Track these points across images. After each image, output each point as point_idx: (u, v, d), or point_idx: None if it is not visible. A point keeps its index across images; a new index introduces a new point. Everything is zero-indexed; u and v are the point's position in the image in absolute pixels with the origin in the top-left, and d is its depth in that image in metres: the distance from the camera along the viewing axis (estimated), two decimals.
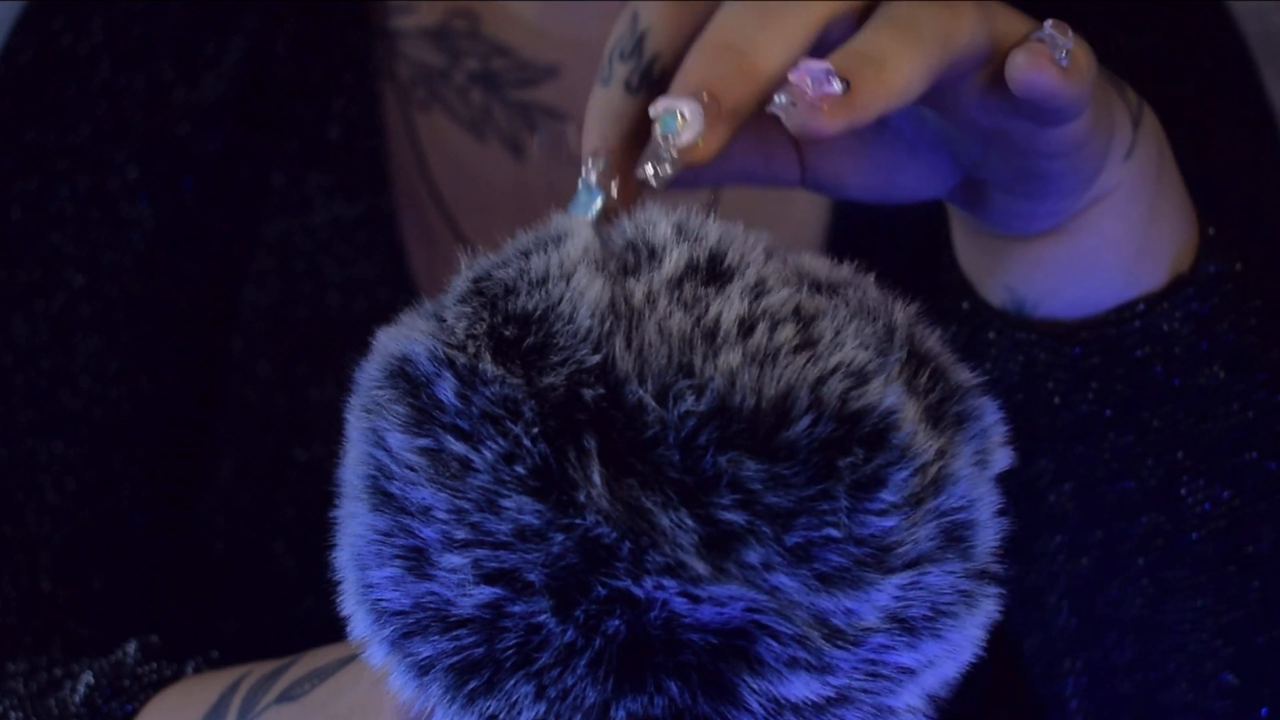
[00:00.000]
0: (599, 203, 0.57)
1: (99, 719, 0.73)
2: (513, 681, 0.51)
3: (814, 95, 0.55)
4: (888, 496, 0.51)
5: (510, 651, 0.51)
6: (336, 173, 0.92)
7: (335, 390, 0.55)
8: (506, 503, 0.50)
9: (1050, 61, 0.58)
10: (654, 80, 0.58)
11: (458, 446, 0.51)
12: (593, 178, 0.57)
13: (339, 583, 0.55)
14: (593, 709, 0.51)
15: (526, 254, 0.54)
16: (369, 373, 0.54)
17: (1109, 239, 0.68)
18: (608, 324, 0.52)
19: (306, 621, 0.89)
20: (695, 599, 0.50)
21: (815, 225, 0.93)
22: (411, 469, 0.52)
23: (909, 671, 0.52)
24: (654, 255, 0.54)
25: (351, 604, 0.54)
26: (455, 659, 0.52)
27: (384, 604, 0.53)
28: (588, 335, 0.52)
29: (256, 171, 0.92)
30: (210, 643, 0.78)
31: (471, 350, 0.52)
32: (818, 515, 0.50)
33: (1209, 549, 0.69)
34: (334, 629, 0.56)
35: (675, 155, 0.55)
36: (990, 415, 0.55)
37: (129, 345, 0.90)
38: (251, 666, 0.69)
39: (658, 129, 0.55)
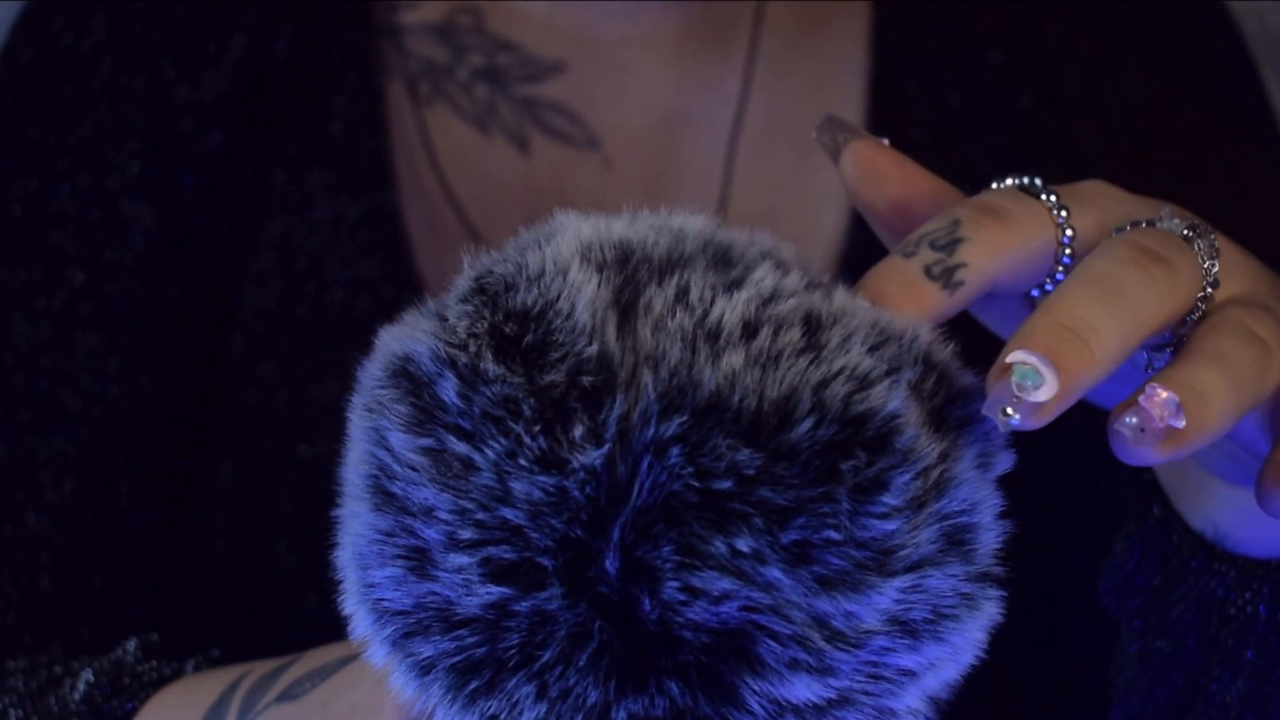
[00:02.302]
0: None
1: (99, 717, 0.73)
2: (514, 681, 0.52)
3: (1160, 426, 0.55)
4: (890, 500, 0.51)
5: (513, 651, 0.51)
6: (338, 170, 0.92)
7: (337, 389, 0.55)
8: (516, 485, 0.51)
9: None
10: (949, 283, 0.57)
11: (460, 446, 0.51)
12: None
13: (340, 582, 0.55)
14: (594, 709, 0.51)
15: (524, 250, 0.54)
16: (371, 372, 0.54)
17: None
18: (607, 320, 0.52)
19: (307, 621, 0.89)
20: (692, 591, 0.50)
21: (830, 240, 0.92)
22: (414, 469, 0.52)
23: (910, 674, 0.52)
24: (665, 260, 0.54)
25: (352, 603, 0.54)
26: (457, 659, 0.52)
27: (385, 604, 0.53)
28: (586, 330, 0.52)
29: (258, 170, 0.92)
30: (211, 642, 0.78)
31: (473, 349, 0.52)
32: (818, 517, 0.50)
33: None
34: (335, 628, 0.56)
35: (1029, 409, 0.54)
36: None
37: (129, 344, 0.90)
38: (252, 665, 0.69)
39: (1013, 378, 0.54)
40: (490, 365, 0.52)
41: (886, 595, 0.51)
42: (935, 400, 0.53)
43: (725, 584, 0.50)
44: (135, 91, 0.91)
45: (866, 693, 0.52)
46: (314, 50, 0.93)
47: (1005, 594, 0.54)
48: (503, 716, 0.52)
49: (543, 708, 0.51)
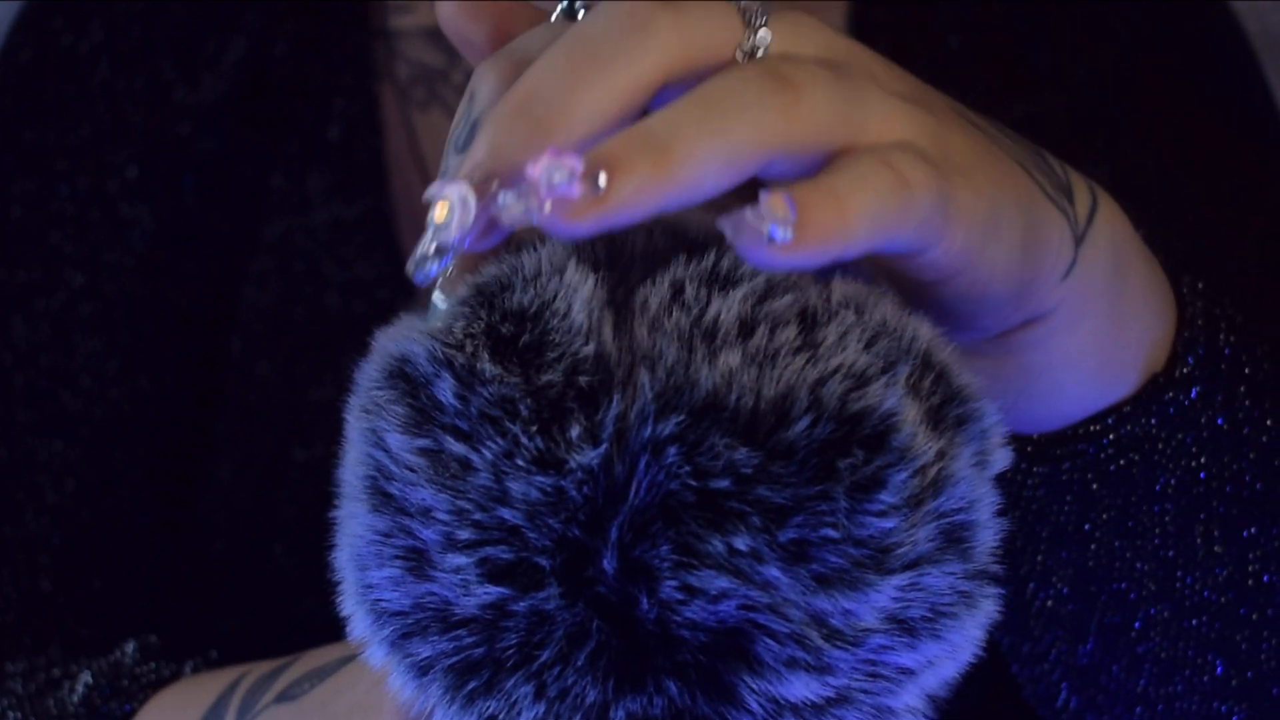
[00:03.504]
0: (441, 305, 0.53)
1: (97, 719, 0.73)
2: (512, 681, 0.52)
3: (544, 195, 0.48)
4: (887, 498, 0.51)
5: (511, 651, 0.51)
6: (336, 173, 0.92)
7: (335, 391, 0.55)
8: (514, 485, 0.51)
9: (761, 241, 0.50)
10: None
11: (457, 447, 0.51)
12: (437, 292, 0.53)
13: (338, 583, 0.55)
14: (592, 709, 0.51)
15: (520, 250, 0.54)
16: (368, 373, 0.54)
17: (1059, 356, 0.62)
18: (603, 319, 0.52)
19: (306, 622, 0.89)
20: (690, 589, 0.50)
21: None
22: (411, 470, 0.52)
23: (908, 672, 0.52)
24: (645, 254, 0.54)
25: (351, 604, 0.54)
26: (455, 659, 0.52)
27: (383, 604, 0.53)
28: (583, 330, 0.52)
29: (256, 172, 0.92)
30: (209, 643, 0.78)
31: (470, 349, 0.52)
32: (815, 515, 0.50)
33: (1214, 628, 0.67)
34: (333, 629, 0.56)
35: (434, 250, 0.50)
36: (990, 417, 0.55)
37: (129, 345, 0.90)
38: (250, 666, 0.69)
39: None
40: (487, 365, 0.52)
41: (884, 593, 0.51)
42: (933, 399, 0.53)
43: (723, 583, 0.50)
44: (134, 92, 0.91)
45: (865, 691, 0.52)
46: (313, 52, 0.93)
47: (1003, 592, 0.54)
48: (501, 716, 0.52)
49: (541, 707, 0.51)
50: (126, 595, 0.89)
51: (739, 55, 0.52)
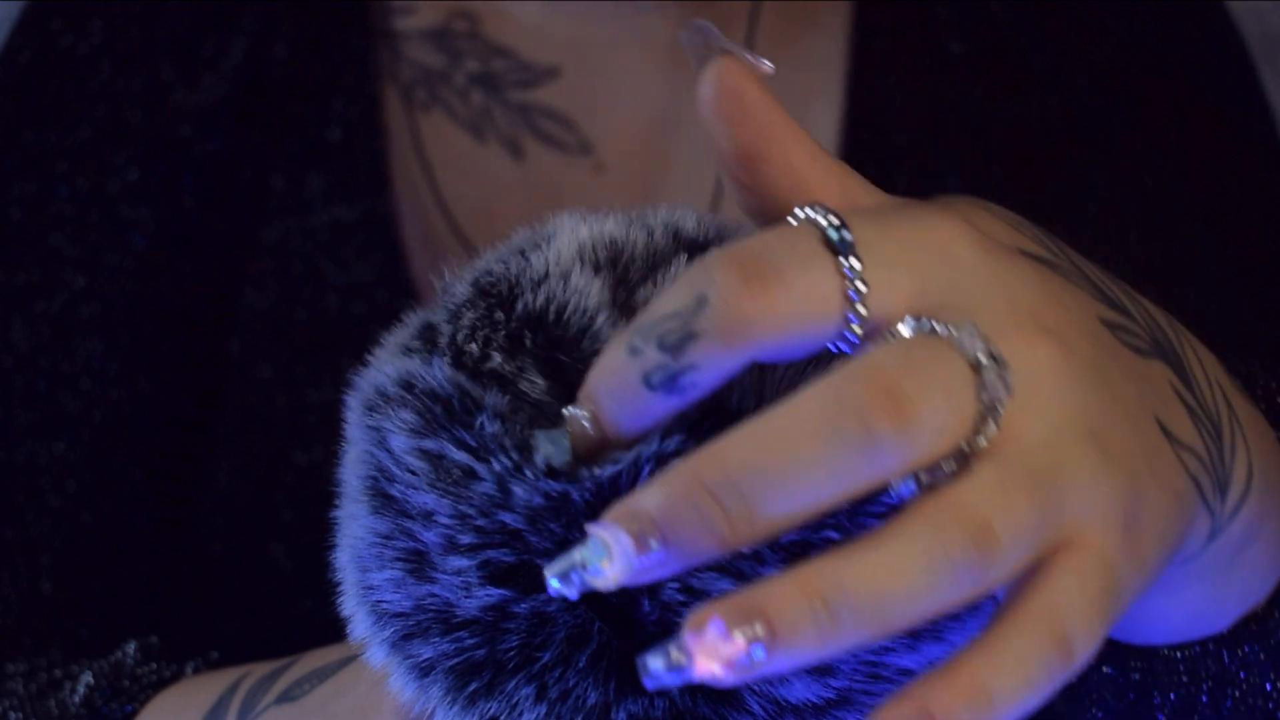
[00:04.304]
0: (560, 456, 0.51)
1: (98, 719, 0.73)
2: (514, 683, 0.52)
3: (700, 668, 0.45)
4: (888, 500, 0.51)
5: (512, 652, 0.51)
6: (336, 175, 0.92)
7: (334, 392, 0.54)
8: (518, 490, 0.50)
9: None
10: (673, 390, 0.48)
11: (461, 456, 0.51)
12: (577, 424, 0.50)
13: (339, 584, 0.55)
14: (594, 710, 0.51)
15: (524, 253, 0.54)
16: (373, 376, 0.54)
17: (1155, 606, 0.60)
18: (609, 322, 0.52)
19: (307, 623, 0.89)
20: (691, 592, 0.50)
21: None
22: (413, 473, 0.52)
23: (910, 673, 0.52)
24: (645, 255, 0.54)
25: (352, 605, 0.54)
26: (456, 660, 0.52)
27: (384, 606, 0.53)
28: (590, 333, 0.52)
29: (256, 173, 0.92)
30: (210, 644, 0.78)
31: (481, 357, 0.52)
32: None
33: None
34: (334, 630, 0.55)
35: (581, 584, 0.47)
36: None
37: (129, 347, 0.90)
38: (251, 667, 0.69)
39: (579, 551, 0.46)
40: (497, 365, 0.52)
41: None
42: None
43: (724, 585, 0.50)
44: (134, 93, 0.91)
45: (865, 692, 0.52)
46: (313, 53, 0.93)
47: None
48: (503, 718, 0.52)
49: (542, 709, 0.51)
50: (127, 596, 0.89)
51: (949, 458, 0.48)
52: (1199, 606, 0.61)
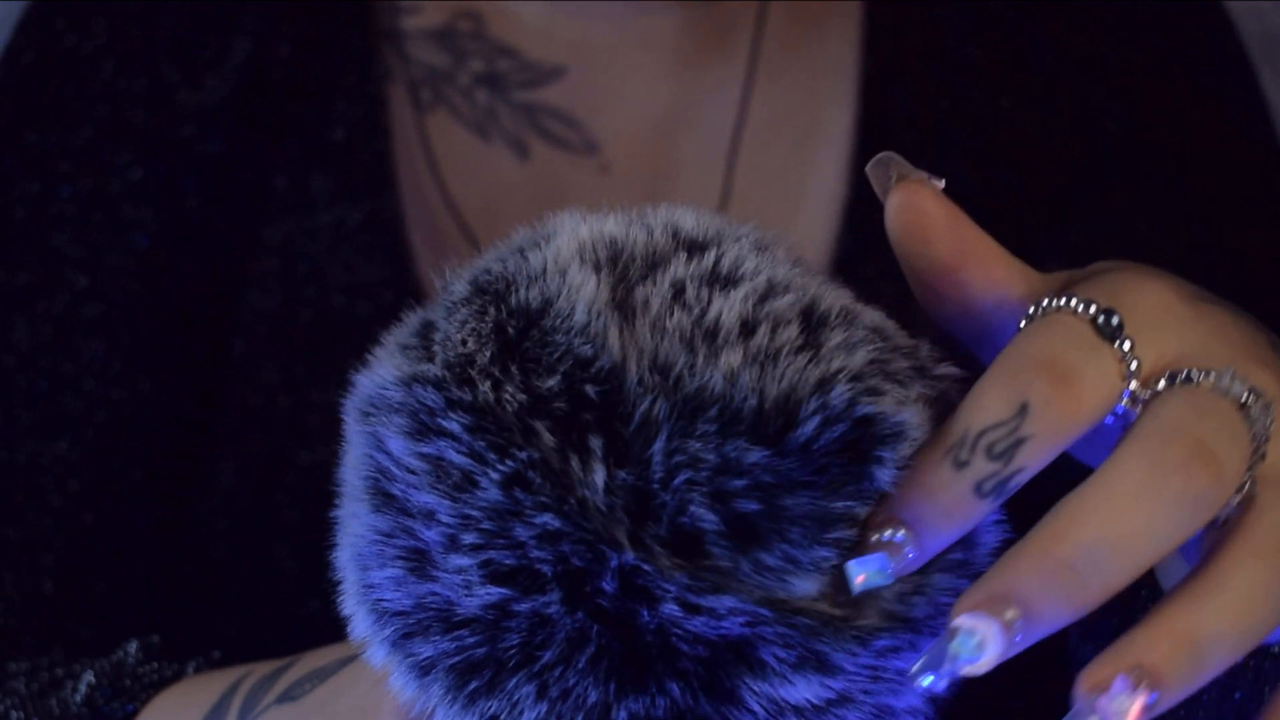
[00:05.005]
0: (883, 579, 0.52)
1: (99, 719, 0.73)
2: (514, 681, 0.51)
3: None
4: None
5: (513, 651, 0.51)
6: (339, 175, 0.92)
7: (338, 392, 0.54)
8: (527, 509, 0.50)
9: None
10: (1005, 494, 0.51)
11: (460, 460, 0.51)
12: (888, 561, 0.51)
13: (340, 583, 0.55)
14: (594, 709, 0.51)
15: (523, 251, 0.54)
16: (370, 381, 0.54)
17: None
18: (606, 320, 0.52)
19: (308, 622, 0.89)
20: (692, 608, 0.50)
21: (823, 243, 0.92)
22: (412, 473, 0.52)
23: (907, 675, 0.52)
24: (660, 258, 0.54)
25: (352, 604, 0.54)
26: (457, 659, 0.52)
27: (385, 604, 0.53)
28: (585, 331, 0.52)
29: (259, 173, 0.92)
30: (212, 643, 0.78)
31: (459, 366, 0.52)
32: (842, 523, 0.50)
33: None
34: (336, 630, 0.55)
35: (953, 672, 0.50)
36: None
37: (131, 347, 0.90)
38: (252, 666, 0.69)
39: (951, 644, 0.49)
40: (486, 363, 0.52)
41: (894, 589, 0.51)
42: (935, 406, 0.53)
43: (726, 601, 0.50)
44: (136, 93, 0.92)
45: (866, 692, 0.52)
46: (315, 53, 0.93)
47: None
48: (503, 717, 0.52)
49: (543, 708, 0.51)
50: (129, 596, 0.89)
51: (1238, 491, 0.53)
52: None
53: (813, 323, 0.52)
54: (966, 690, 0.54)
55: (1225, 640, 0.50)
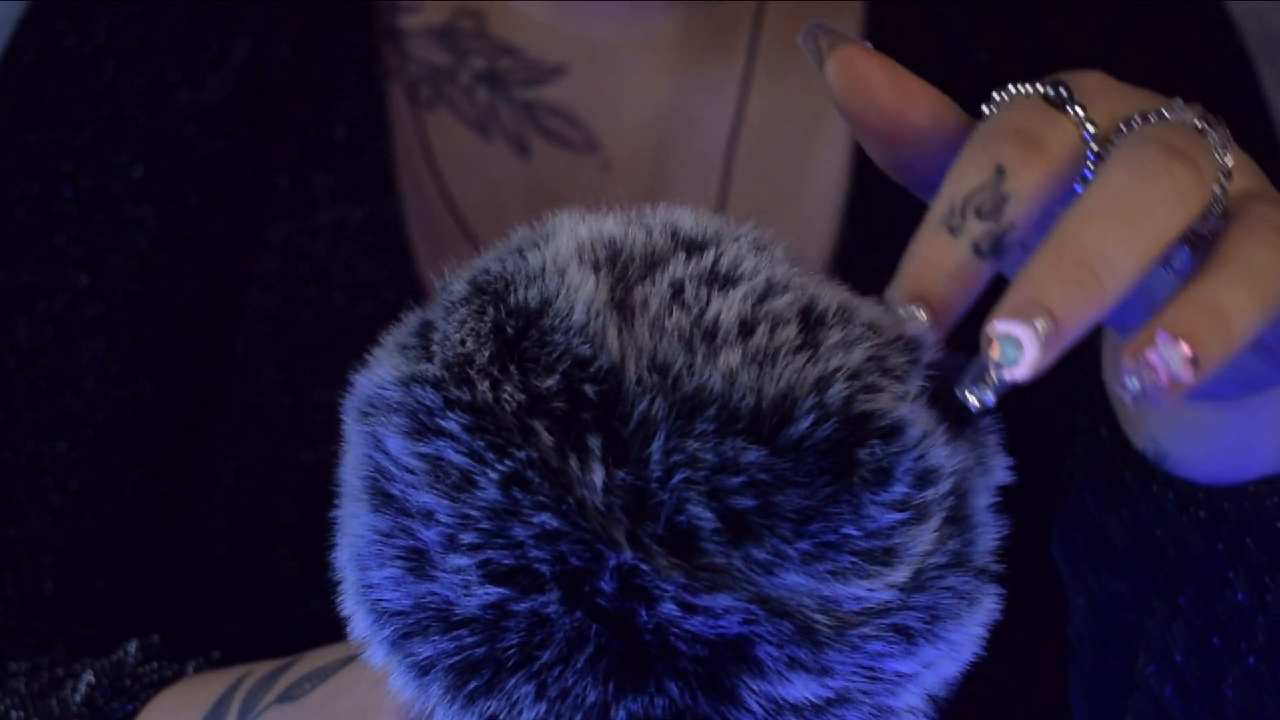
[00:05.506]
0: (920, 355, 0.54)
1: (99, 718, 0.73)
2: (513, 681, 0.51)
3: (1166, 381, 0.52)
4: (898, 491, 0.51)
5: (512, 651, 0.51)
6: (341, 174, 0.92)
7: (339, 391, 0.55)
8: (526, 508, 0.50)
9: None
10: (1002, 251, 0.54)
11: (458, 459, 0.51)
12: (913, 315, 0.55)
13: (339, 583, 0.55)
14: (593, 709, 0.51)
15: (522, 251, 0.54)
16: (368, 383, 0.54)
17: (1266, 422, 0.64)
18: (604, 320, 0.52)
19: (308, 622, 0.89)
20: (690, 608, 0.50)
21: (824, 240, 0.92)
22: (411, 472, 0.52)
23: (905, 676, 0.52)
24: (659, 258, 0.54)
25: (351, 604, 0.54)
26: (456, 659, 0.52)
27: (384, 604, 0.53)
28: (584, 330, 0.52)
29: (260, 173, 0.92)
30: (212, 643, 0.78)
31: (458, 366, 0.52)
32: (833, 518, 0.50)
33: None
34: (336, 630, 0.55)
35: (1002, 383, 0.52)
36: (987, 425, 0.54)
37: (132, 347, 0.90)
38: (252, 666, 0.69)
39: (993, 353, 0.52)
40: (485, 362, 0.52)
41: (899, 573, 0.51)
42: (937, 404, 0.53)
43: (723, 600, 0.50)
44: (137, 93, 0.92)
45: (864, 692, 0.52)
46: (316, 53, 0.93)
47: (1003, 592, 0.54)
48: (502, 716, 0.52)
49: (542, 707, 0.51)
50: (129, 595, 0.89)
51: (1217, 200, 0.57)
52: None
53: (811, 322, 0.52)
54: (966, 690, 0.55)
55: (1244, 307, 0.53)
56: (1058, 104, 0.57)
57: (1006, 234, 0.54)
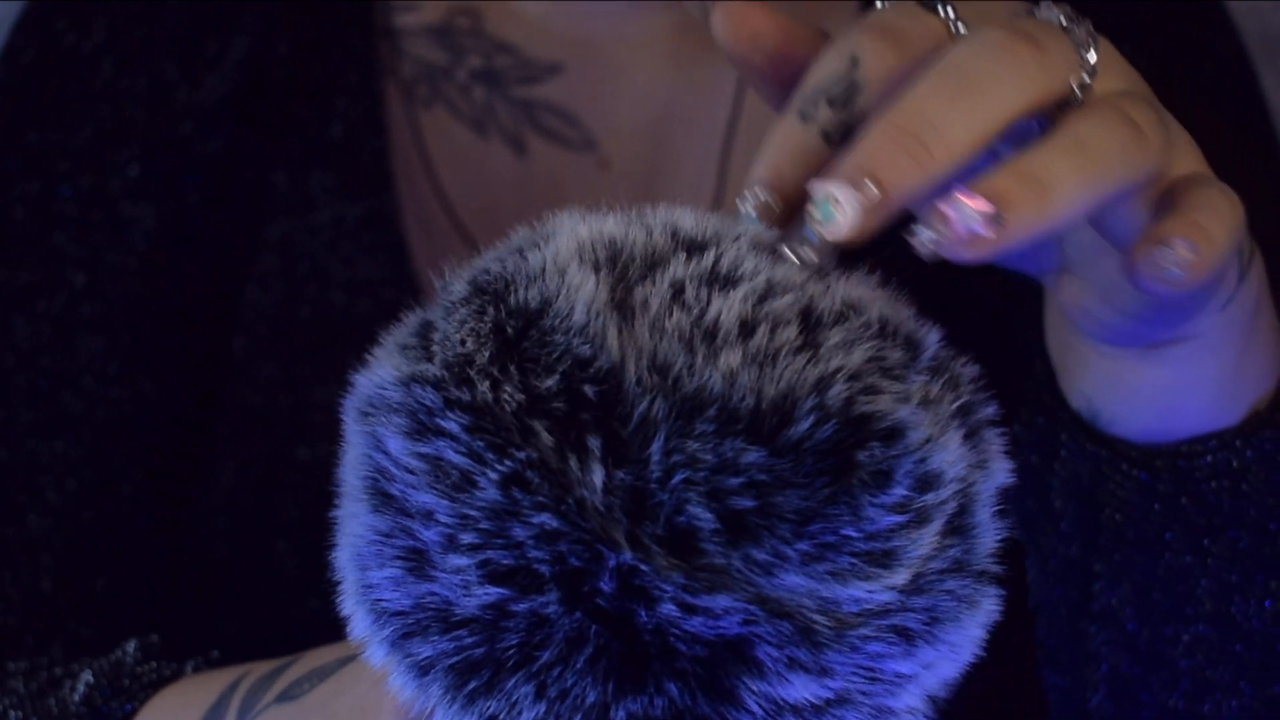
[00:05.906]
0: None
1: (98, 718, 0.73)
2: (513, 681, 0.51)
3: (963, 234, 0.52)
4: (897, 492, 0.51)
5: (511, 651, 0.51)
6: (339, 172, 0.92)
7: (339, 390, 0.55)
8: (525, 509, 0.50)
9: (1177, 266, 0.56)
10: (850, 135, 0.55)
11: (458, 459, 0.51)
12: (750, 206, 0.56)
13: (339, 583, 0.55)
14: (593, 709, 0.51)
15: (522, 251, 0.54)
16: (368, 383, 0.54)
17: (1191, 378, 0.65)
18: (605, 320, 0.52)
19: (308, 622, 0.89)
20: (689, 608, 0.50)
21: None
22: (411, 473, 0.52)
23: (905, 677, 0.52)
24: (659, 258, 0.54)
25: (351, 604, 0.54)
26: (455, 659, 0.52)
27: (384, 604, 0.53)
28: (584, 331, 0.51)
29: (259, 171, 0.92)
30: (211, 643, 0.78)
31: (458, 366, 0.52)
32: (832, 519, 0.50)
33: (1254, 656, 0.68)
34: (337, 629, 0.55)
35: (823, 243, 0.53)
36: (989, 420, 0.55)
37: (130, 346, 0.90)
38: (251, 666, 0.69)
39: (814, 212, 0.53)
40: (485, 363, 0.52)
41: (899, 575, 0.51)
42: (939, 407, 0.53)
43: (722, 601, 0.50)
44: (136, 92, 0.92)
45: (864, 693, 0.52)
46: (315, 51, 0.93)
47: (1003, 593, 0.54)
48: (502, 716, 0.52)
49: (541, 707, 0.51)
50: (128, 595, 0.89)
51: (1075, 89, 0.57)
52: (1224, 387, 0.66)
53: (811, 323, 0.52)
54: (966, 690, 0.55)
55: (1065, 176, 0.54)
56: (929, 6, 0.58)
57: (857, 122, 0.55)
